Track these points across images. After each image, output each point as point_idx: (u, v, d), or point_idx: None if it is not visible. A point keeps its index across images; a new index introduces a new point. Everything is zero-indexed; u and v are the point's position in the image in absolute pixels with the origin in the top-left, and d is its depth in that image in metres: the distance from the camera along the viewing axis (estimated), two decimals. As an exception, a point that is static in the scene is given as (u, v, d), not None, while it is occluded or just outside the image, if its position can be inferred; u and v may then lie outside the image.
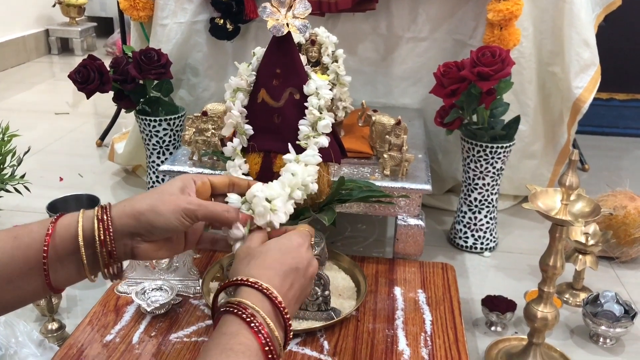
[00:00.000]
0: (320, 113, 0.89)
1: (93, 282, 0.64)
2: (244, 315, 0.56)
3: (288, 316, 0.59)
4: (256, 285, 0.58)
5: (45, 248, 0.59)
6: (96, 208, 0.63)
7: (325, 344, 0.92)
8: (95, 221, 0.61)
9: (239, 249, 0.67)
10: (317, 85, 0.89)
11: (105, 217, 0.61)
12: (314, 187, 0.83)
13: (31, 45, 3.30)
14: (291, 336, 0.59)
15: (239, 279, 0.60)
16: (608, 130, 2.29)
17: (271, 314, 0.57)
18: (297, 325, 0.94)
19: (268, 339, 0.55)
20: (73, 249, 0.60)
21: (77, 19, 3.46)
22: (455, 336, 0.94)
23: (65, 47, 3.52)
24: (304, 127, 0.86)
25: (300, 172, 0.81)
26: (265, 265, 0.61)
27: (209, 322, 0.97)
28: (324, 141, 0.85)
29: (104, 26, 3.71)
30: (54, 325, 1.06)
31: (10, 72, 3.08)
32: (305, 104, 0.89)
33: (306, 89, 0.88)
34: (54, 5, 3.38)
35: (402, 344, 0.92)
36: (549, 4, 1.41)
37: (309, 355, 0.89)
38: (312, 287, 0.65)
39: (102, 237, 0.61)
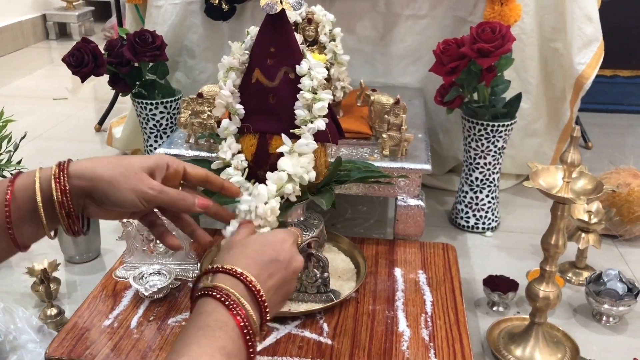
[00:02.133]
0: (315, 94, 0.87)
1: (52, 239, 0.64)
2: (218, 296, 0.56)
3: (264, 298, 0.59)
4: (231, 271, 0.59)
5: (7, 210, 0.58)
6: (54, 167, 0.61)
7: (325, 326, 0.91)
8: (53, 182, 0.60)
9: (225, 240, 0.69)
10: (310, 65, 0.87)
11: (62, 178, 0.60)
12: (311, 176, 0.82)
13: (28, 30, 3.27)
14: (267, 318, 0.60)
15: (216, 266, 0.61)
16: (612, 108, 2.26)
17: (246, 296, 0.58)
18: (296, 307, 0.93)
19: (244, 318, 0.56)
20: (33, 208, 0.60)
21: (74, 3, 3.43)
22: (456, 317, 0.93)
23: (63, 31, 3.49)
24: (299, 111, 0.85)
25: (292, 167, 0.80)
26: (244, 255, 0.62)
27: (208, 305, 0.96)
28: (321, 124, 0.84)
29: (101, 10, 3.68)
30: (53, 311, 1.05)
31: (8, 58, 3.06)
32: (299, 85, 0.87)
33: (298, 69, 0.86)
34: (50, -10, 3.36)
35: (403, 325, 0.91)
36: (551, -22, 1.38)
37: (309, 338, 0.89)
38: (298, 281, 0.67)
39: (59, 199, 0.60)
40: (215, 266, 0.61)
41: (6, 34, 3.09)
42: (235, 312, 0.56)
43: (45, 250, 1.26)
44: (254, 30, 0.94)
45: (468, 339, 0.89)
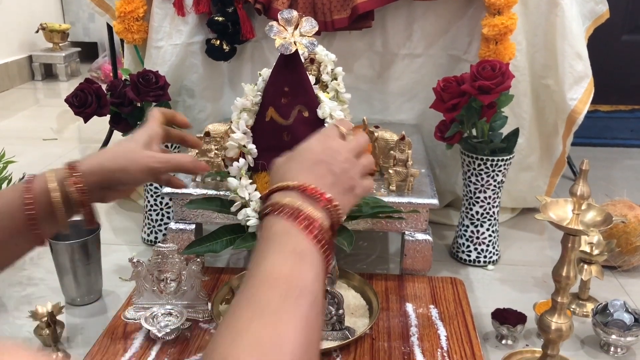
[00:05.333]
0: None
1: (67, 232, 0.72)
2: (270, 209, 0.56)
3: (321, 192, 0.57)
4: (281, 187, 0.58)
5: (33, 209, 0.64)
6: (65, 170, 0.67)
7: (342, 363, 0.91)
8: (70, 185, 0.66)
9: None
10: (329, 107, 0.89)
11: (77, 179, 0.67)
12: None
13: (14, 71, 3.27)
14: (339, 212, 0.58)
15: (265, 192, 0.60)
16: (596, 141, 2.32)
17: (301, 198, 0.56)
18: (312, 345, 0.92)
19: (304, 219, 0.54)
20: (50, 209, 0.66)
21: (60, 45, 3.44)
22: (472, 351, 0.93)
23: (49, 72, 3.49)
24: None
25: None
26: (289, 170, 0.61)
27: (221, 345, 0.95)
28: None
29: (87, 51, 3.69)
30: (59, 356, 1.03)
31: (-6, 98, 3.05)
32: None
33: (320, 113, 0.89)
34: (37, 31, 3.36)
35: (420, 360, 0.91)
36: (540, 17, 1.43)
37: (326, 376, 0.88)
38: (356, 169, 0.65)
39: (79, 198, 0.67)
40: (265, 192, 0.61)
41: (-8, 75, 3.08)
42: (289, 216, 0.54)
43: (45, 293, 1.24)
44: (266, 72, 0.96)
45: (486, 373, 0.89)
